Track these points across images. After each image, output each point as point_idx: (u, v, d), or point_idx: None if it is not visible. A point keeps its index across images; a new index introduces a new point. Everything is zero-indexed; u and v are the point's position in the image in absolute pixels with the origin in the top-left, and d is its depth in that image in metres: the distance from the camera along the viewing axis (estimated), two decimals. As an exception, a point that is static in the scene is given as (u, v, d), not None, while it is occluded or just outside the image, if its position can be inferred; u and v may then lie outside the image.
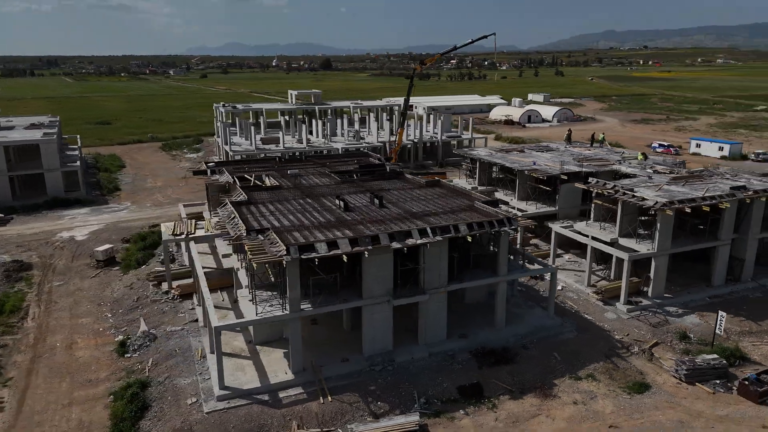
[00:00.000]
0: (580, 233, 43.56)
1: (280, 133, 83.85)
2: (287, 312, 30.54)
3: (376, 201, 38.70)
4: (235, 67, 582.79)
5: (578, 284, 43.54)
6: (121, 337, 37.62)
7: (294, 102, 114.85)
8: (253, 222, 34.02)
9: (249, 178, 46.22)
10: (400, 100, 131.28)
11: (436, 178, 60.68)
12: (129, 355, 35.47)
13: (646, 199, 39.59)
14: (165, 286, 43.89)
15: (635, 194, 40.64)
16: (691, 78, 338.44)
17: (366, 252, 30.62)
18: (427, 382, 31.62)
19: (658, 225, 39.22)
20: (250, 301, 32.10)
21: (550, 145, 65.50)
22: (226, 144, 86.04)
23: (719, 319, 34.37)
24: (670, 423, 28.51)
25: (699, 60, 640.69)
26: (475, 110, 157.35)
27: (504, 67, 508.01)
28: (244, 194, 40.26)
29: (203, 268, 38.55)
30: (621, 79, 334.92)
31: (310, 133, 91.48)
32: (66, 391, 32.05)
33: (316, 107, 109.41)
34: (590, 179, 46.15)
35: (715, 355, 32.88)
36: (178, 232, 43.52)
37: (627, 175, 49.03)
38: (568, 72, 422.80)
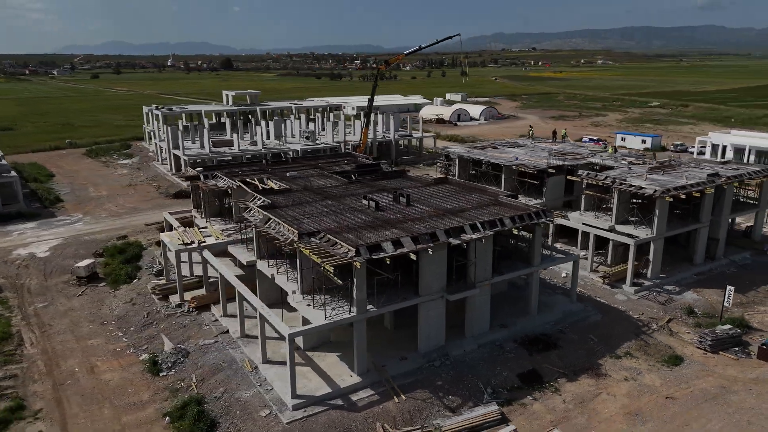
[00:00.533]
0: (587, 224, 46.29)
1: (235, 135, 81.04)
2: (354, 314, 30.24)
3: (403, 199, 39.06)
4: (124, 66, 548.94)
5: (582, 271, 46.31)
6: (145, 356, 35.27)
7: (231, 103, 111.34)
8: (296, 225, 33.19)
9: (252, 182, 44.71)
10: (324, 101, 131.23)
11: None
12: (164, 374, 33.39)
13: (644, 188, 43.04)
14: (174, 299, 41.49)
15: (632, 184, 44.00)
16: (582, 78, 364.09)
17: (429, 249, 31.03)
18: (487, 372, 32.57)
19: (657, 211, 42.77)
20: (308, 305, 31.38)
21: (518, 141, 68.64)
22: (176, 148, 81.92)
23: (728, 292, 38.24)
24: (715, 389, 31.47)
25: (582, 61, 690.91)
26: (402, 110, 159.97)
27: (407, 68, 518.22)
28: (265, 198, 39.04)
29: (219, 276, 37.08)
30: (520, 78, 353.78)
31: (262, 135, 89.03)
32: (112, 418, 29.72)
33: (257, 108, 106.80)
34: (580, 171, 49.20)
35: (729, 326, 36.56)
36: (187, 242, 41.24)
37: (605, 167, 52.67)
38: (470, 72, 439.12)
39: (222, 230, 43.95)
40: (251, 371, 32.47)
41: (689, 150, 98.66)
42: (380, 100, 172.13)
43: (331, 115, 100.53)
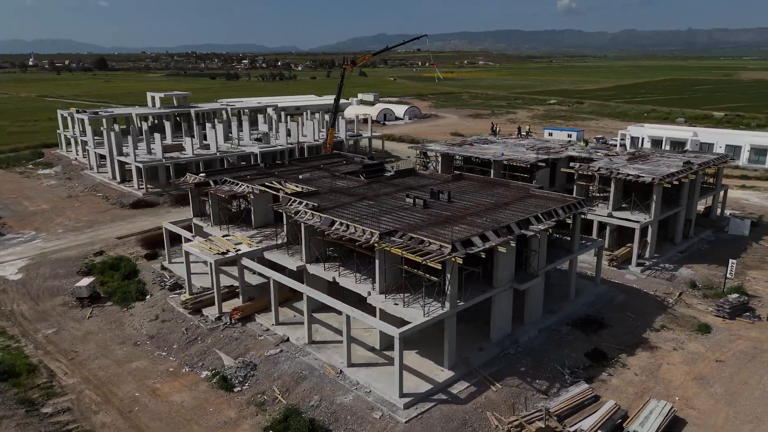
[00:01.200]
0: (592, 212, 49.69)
1: (188, 139, 76.83)
2: (447, 309, 30.80)
3: (443, 196, 40.01)
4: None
5: (585, 256, 49.84)
6: (207, 373, 33.39)
7: (159, 105, 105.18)
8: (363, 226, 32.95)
9: (276, 185, 43.30)
10: (257, 101, 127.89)
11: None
12: (239, 389, 31.84)
13: (642, 176, 47.33)
14: (209, 311, 39.26)
15: (629, 173, 48.17)
16: (474, 78, 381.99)
17: (512, 241, 32.34)
18: (557, 355, 34.52)
19: (654, 197, 47.20)
20: (396, 304, 31.42)
21: (488, 138, 71.65)
22: (120, 155, 76.10)
23: (730, 265, 43.28)
24: (750, 349, 35.76)
25: (465, 62, 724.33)
26: (323, 109, 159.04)
27: (299, 68, 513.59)
28: (308, 201, 38.13)
29: (271, 283, 35.95)
30: (416, 78, 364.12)
31: (205, 137, 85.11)
32: (208, 440, 27.97)
33: (191, 110, 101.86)
34: (572, 164, 52.85)
35: (736, 294, 41.48)
36: (222, 251, 39.09)
37: (585, 159, 56.86)
38: (366, 72, 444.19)
39: (248, 237, 42.15)
40: (337, 376, 31.88)
41: (610, 143, 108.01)
42: (301, 100, 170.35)
43: (287, 116, 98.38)
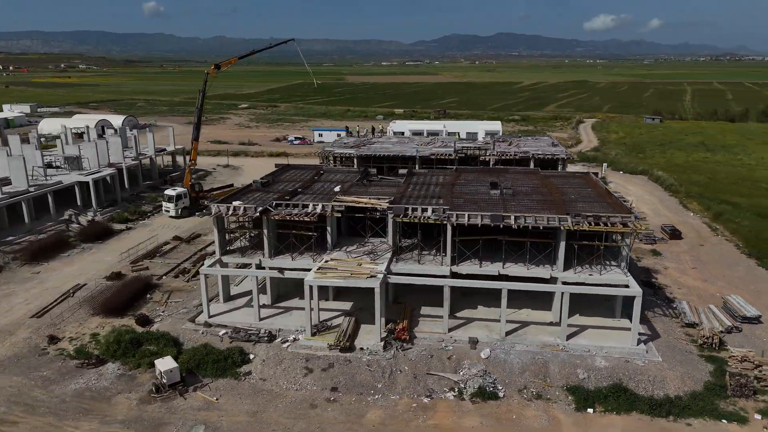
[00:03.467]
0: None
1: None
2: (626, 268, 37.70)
3: (508, 187, 45.39)
4: None
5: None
6: (451, 395, 31.93)
7: None
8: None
9: (357, 201, 40.42)
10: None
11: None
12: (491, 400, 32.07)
13: (558, 154, 61.13)
14: (364, 343, 35.31)
15: (537, 152, 61.38)
16: (88, 83, 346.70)
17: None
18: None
19: (567, 167, 61.53)
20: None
21: (369, 137, 74.51)
22: None
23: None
24: None
25: (63, 65, 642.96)
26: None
27: None
28: (440, 206, 38.36)
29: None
30: (43, 86, 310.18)
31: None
32: None
33: None
34: (497, 150, 63.02)
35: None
36: (366, 274, 35.44)
37: (481, 148, 67.66)
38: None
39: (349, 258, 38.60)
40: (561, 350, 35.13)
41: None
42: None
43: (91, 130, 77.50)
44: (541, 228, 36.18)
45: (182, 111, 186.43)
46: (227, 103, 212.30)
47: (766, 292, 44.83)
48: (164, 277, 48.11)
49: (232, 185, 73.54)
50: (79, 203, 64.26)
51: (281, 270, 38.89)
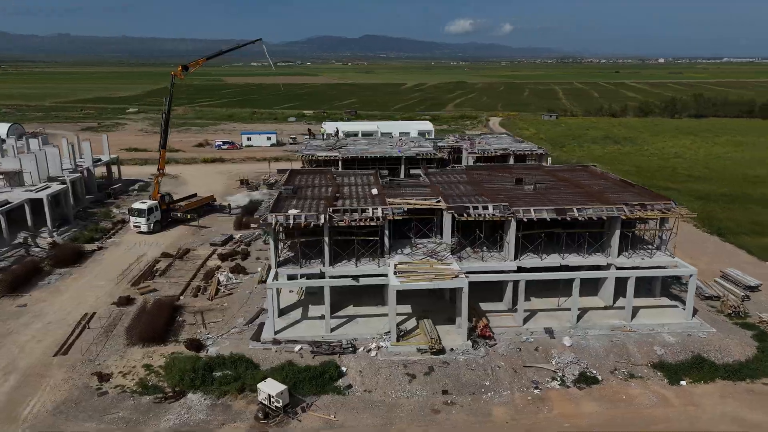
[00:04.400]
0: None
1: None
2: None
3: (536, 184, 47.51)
4: None
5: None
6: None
7: None
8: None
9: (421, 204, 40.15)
10: None
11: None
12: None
13: (535, 150, 64.68)
14: (450, 344, 35.32)
15: (521, 149, 64.69)
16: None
17: (649, 196, 44.66)
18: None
19: (543, 163, 65.30)
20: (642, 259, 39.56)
21: (350, 139, 72.78)
22: None
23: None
24: None
25: None
26: None
27: None
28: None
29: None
30: None
31: None
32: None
33: None
34: (478, 148, 65.14)
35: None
36: (455, 273, 35.45)
37: (452, 146, 69.52)
38: None
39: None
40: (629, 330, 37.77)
41: (303, 140, 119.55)
42: None
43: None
44: (595, 218, 38.54)
45: (65, 117, 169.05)
46: (111, 108, 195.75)
47: (746, 263, 51.18)
48: (182, 298, 44.16)
49: (195, 194, 68.75)
50: (29, 224, 56.47)
51: (356, 277, 37.53)
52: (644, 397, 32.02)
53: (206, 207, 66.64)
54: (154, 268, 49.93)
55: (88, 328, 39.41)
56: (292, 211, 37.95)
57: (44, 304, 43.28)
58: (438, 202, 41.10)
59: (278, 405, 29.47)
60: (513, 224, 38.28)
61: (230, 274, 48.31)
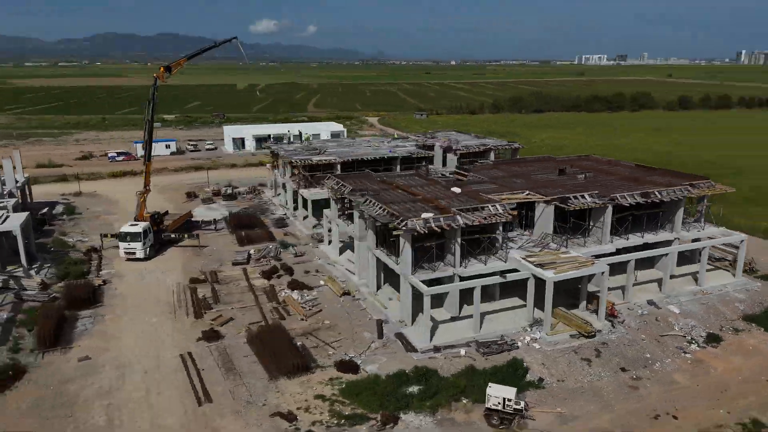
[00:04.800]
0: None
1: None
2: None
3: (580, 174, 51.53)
4: None
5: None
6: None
7: None
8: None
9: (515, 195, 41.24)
10: None
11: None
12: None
13: (512, 144, 69.20)
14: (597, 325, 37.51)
15: (501, 144, 68.81)
16: None
17: (670, 178, 51.34)
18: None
19: (517, 156, 70.07)
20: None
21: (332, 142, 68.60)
22: None
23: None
24: None
25: None
26: None
27: None
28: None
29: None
30: None
31: None
32: None
33: None
34: (463, 147, 67.47)
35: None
36: (575, 264, 37.50)
37: (429, 145, 71.03)
38: None
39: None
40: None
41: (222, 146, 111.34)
42: None
43: None
44: (675, 199, 43.69)
45: None
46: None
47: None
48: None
49: (189, 212, 61.40)
50: (-6, 262, 45.40)
51: (503, 274, 37.53)
52: (764, 345, 37.52)
53: (184, 224, 59.43)
54: (203, 298, 43.70)
55: (203, 369, 33.76)
56: (426, 215, 36.78)
57: (107, 353, 35.80)
58: (528, 195, 42.95)
59: (518, 407, 28.94)
60: (609, 210, 41.64)
61: (291, 292, 44.44)
